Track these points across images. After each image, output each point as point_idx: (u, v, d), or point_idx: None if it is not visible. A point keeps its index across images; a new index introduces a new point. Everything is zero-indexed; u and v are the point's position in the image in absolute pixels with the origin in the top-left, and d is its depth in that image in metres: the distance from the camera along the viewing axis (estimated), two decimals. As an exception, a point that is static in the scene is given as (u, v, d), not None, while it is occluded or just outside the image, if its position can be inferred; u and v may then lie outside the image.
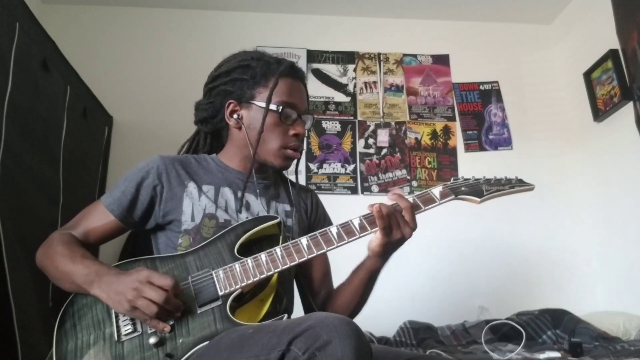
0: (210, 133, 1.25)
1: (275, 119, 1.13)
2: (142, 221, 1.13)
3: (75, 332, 0.97)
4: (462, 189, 1.08)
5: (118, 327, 0.96)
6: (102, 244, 1.16)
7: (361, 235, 1.02)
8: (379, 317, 1.87)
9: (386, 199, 1.04)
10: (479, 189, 1.08)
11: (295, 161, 1.21)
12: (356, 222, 1.02)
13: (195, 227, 1.09)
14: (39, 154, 1.78)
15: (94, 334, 0.96)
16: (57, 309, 1.01)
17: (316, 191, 1.37)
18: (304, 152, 2.57)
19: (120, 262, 1.05)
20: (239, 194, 1.17)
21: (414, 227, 1.02)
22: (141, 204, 1.11)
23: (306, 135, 1.21)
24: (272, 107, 1.12)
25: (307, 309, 1.23)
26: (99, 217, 1.11)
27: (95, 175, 2.50)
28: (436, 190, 1.07)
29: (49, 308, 1.66)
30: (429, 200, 1.06)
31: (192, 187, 1.13)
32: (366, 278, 1.10)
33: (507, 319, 2.16)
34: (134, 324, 0.96)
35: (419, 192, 1.07)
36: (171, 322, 0.96)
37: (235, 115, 1.16)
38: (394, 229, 1.01)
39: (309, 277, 1.25)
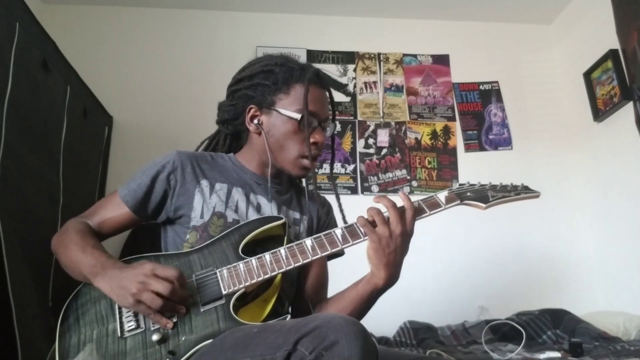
0: (230, 134, 1.26)
1: (295, 127, 1.13)
2: (154, 214, 1.15)
3: (78, 327, 0.97)
4: (468, 194, 1.09)
5: (121, 323, 0.96)
6: (114, 236, 1.17)
7: (365, 237, 1.01)
8: (379, 317, 1.86)
9: (397, 199, 1.03)
10: (485, 195, 1.09)
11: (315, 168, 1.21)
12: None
13: (203, 224, 1.10)
14: (39, 154, 1.77)
15: (97, 330, 0.96)
16: (57, 309, 1.01)
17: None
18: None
19: (124, 259, 1.04)
20: (251, 196, 1.17)
21: (409, 233, 1.01)
22: (155, 197, 1.12)
23: (325, 143, 1.21)
24: (292, 114, 1.12)
25: (296, 311, 1.22)
26: (114, 208, 1.13)
27: (95, 175, 2.49)
28: (442, 195, 1.07)
29: (49, 308, 1.65)
30: (434, 205, 1.06)
31: (204, 184, 1.14)
32: (364, 293, 1.07)
33: (507, 319, 2.16)
34: (137, 320, 0.96)
35: (425, 197, 1.07)
36: (174, 319, 0.96)
37: (255, 121, 1.16)
38: (385, 235, 0.98)
39: (304, 283, 1.24)
